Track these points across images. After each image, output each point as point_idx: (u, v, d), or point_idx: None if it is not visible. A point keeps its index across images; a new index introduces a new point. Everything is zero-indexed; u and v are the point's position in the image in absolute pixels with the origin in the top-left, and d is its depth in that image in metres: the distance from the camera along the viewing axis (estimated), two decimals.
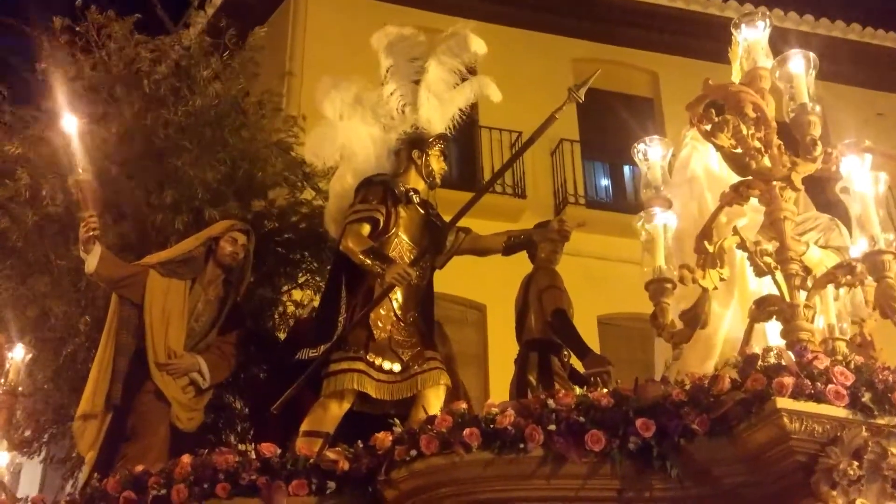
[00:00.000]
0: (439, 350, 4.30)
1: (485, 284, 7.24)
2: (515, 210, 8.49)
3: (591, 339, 4.85)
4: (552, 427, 2.85)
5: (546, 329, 4.83)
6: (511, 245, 4.54)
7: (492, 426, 2.94)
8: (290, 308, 6.25)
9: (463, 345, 4.22)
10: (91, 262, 4.43)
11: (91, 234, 4.36)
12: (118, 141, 5.15)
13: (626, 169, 9.94)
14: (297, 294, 6.26)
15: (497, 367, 7.81)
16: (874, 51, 11.09)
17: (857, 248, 3.31)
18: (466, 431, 2.94)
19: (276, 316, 6.04)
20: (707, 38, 9.90)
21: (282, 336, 6.19)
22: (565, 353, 4.88)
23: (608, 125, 8.56)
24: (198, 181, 5.20)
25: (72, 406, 5.35)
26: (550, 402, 2.94)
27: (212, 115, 5.40)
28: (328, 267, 6.01)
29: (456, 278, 4.57)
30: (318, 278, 5.89)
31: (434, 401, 4.01)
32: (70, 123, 4.39)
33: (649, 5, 10.41)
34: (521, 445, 2.85)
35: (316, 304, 6.21)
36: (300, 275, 5.96)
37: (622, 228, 8.26)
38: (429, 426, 3.09)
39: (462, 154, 9.18)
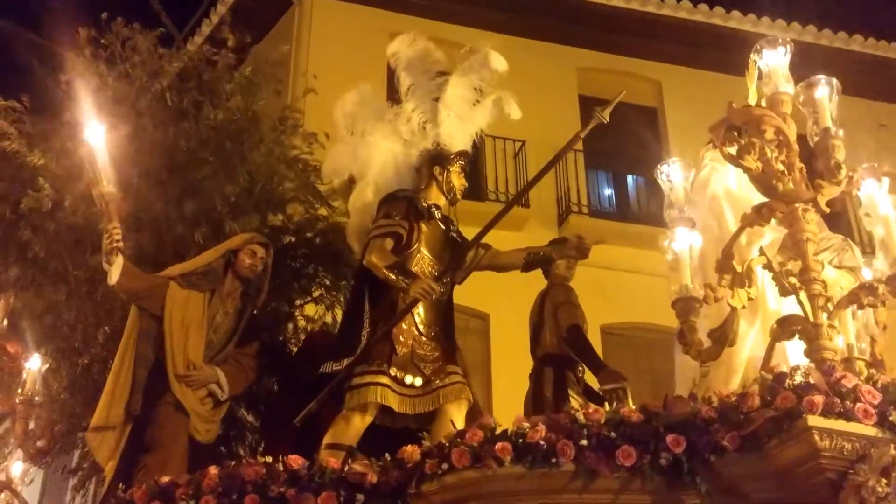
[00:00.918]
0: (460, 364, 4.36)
1: (488, 293, 7.30)
2: (519, 220, 8.49)
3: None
4: (584, 442, 2.92)
5: (561, 344, 4.88)
6: (530, 262, 4.62)
7: (523, 441, 3.01)
8: (302, 322, 6.32)
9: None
10: (114, 273, 4.46)
11: (115, 245, 4.40)
12: (140, 152, 5.20)
13: (630, 178, 10.02)
14: (309, 309, 6.31)
15: (500, 377, 7.87)
16: (877, 61, 11.17)
17: (874, 267, 3.43)
18: (498, 446, 3.00)
19: (289, 329, 6.11)
20: (711, 48, 10.04)
21: (293, 349, 6.29)
22: (580, 368, 4.94)
23: (612, 134, 8.56)
24: (217, 194, 5.27)
25: (86, 416, 5.40)
26: (580, 417, 3.01)
27: (232, 129, 5.48)
28: (342, 282, 6.13)
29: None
30: (334, 293, 5.97)
31: (456, 415, 4.06)
32: (96, 134, 4.44)
33: (654, 15, 10.50)
34: (553, 460, 2.91)
35: (328, 319, 6.31)
36: (314, 289, 6.02)
37: (626, 238, 8.49)
38: (459, 440, 3.15)
39: None
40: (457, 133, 4.66)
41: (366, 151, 4.64)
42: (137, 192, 5.22)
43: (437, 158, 4.58)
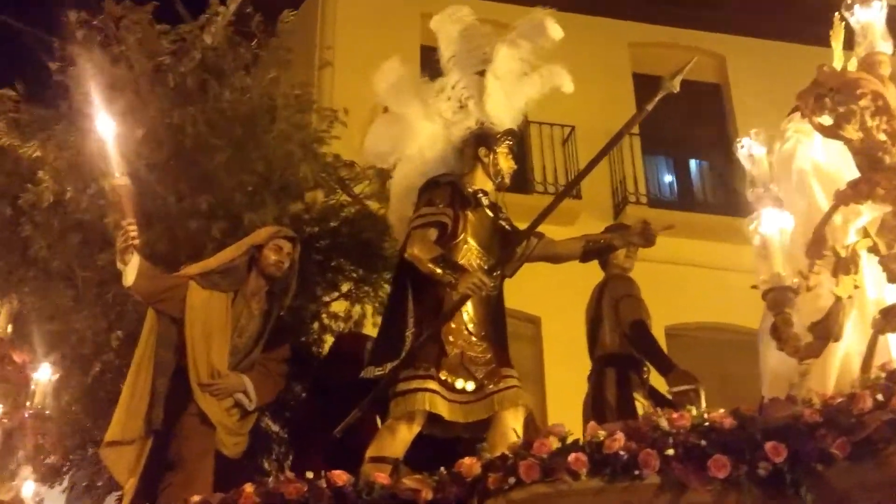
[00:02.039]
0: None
1: (538, 294, 7.24)
2: (571, 213, 8.36)
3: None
4: (670, 451, 2.84)
5: (623, 342, 4.87)
6: (590, 250, 4.54)
7: (599, 451, 2.93)
8: (327, 321, 6.30)
9: (516, 361, 4.23)
10: (129, 274, 4.45)
11: (130, 243, 4.38)
12: (144, 141, 5.18)
13: (692, 163, 9.90)
14: (336, 306, 6.30)
15: (555, 386, 7.79)
16: None
17: None
18: (572, 457, 2.92)
19: (315, 330, 6.09)
20: (779, 17, 9.79)
21: (320, 352, 6.27)
22: (645, 368, 4.91)
23: (670, 115, 8.38)
24: (233, 184, 5.24)
25: (100, 430, 5.41)
26: (664, 423, 2.94)
27: (242, 110, 5.44)
28: (373, 275, 6.11)
29: (506, 288, 4.58)
30: (364, 287, 5.94)
31: (512, 423, 3.98)
32: (104, 124, 4.41)
33: None
34: (636, 472, 2.84)
35: (357, 317, 6.29)
36: (342, 283, 5.99)
37: (689, 229, 8.35)
38: (526, 451, 3.09)
39: None
40: (503, 110, 4.57)
41: (406, 131, 4.56)
42: (145, 186, 5.20)
43: (482, 139, 4.51)
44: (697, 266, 8.36)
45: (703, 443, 2.83)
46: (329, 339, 6.26)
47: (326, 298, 6.10)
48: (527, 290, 4.95)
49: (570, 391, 5.59)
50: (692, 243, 8.14)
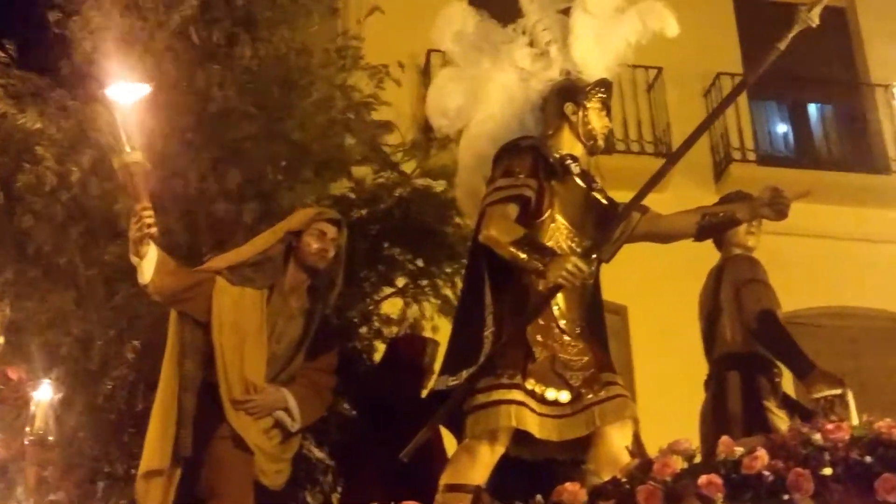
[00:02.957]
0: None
1: (623, 280, 7.17)
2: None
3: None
4: (826, 471, 2.84)
5: (749, 339, 4.84)
6: (706, 227, 4.48)
7: (737, 472, 2.94)
8: (378, 323, 6.36)
9: None
10: (145, 270, 4.49)
11: (146, 232, 4.42)
12: (161, 107, 5.23)
13: (812, 108, 9.74)
14: (388, 306, 6.35)
15: (645, 387, 7.77)
16: None
17: None
18: (704, 480, 2.93)
19: (365, 333, 6.15)
20: None
21: (371, 359, 6.33)
22: (776, 370, 4.88)
23: (783, 50, 8.22)
24: (265, 157, 5.30)
25: (112, 460, 5.54)
26: (817, 437, 2.93)
27: (277, 69, 5.49)
28: (433, 267, 6.14)
29: None
30: (423, 281, 5.98)
31: (618, 440, 3.98)
32: (113, 88, 4.47)
33: None
34: (785, 497, 2.84)
35: (415, 318, 6.33)
36: (397, 277, 6.04)
37: (811, 192, 8.17)
38: (644, 474, 3.10)
39: None
40: (594, 56, 4.56)
41: (474, 87, 4.58)
42: (161, 162, 5.27)
43: (568, 92, 4.49)
44: (821, 237, 8.26)
45: (868, 459, 2.83)
46: (380, 345, 6.32)
47: (377, 296, 6.15)
48: (609, 274, 4.94)
49: (663, 394, 5.58)
50: (813, 209, 7.98)
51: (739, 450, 2.99)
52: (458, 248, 6.05)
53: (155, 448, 4.46)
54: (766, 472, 2.89)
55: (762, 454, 2.94)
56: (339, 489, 6.01)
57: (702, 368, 5.20)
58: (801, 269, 8.08)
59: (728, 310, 4.93)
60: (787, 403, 4.87)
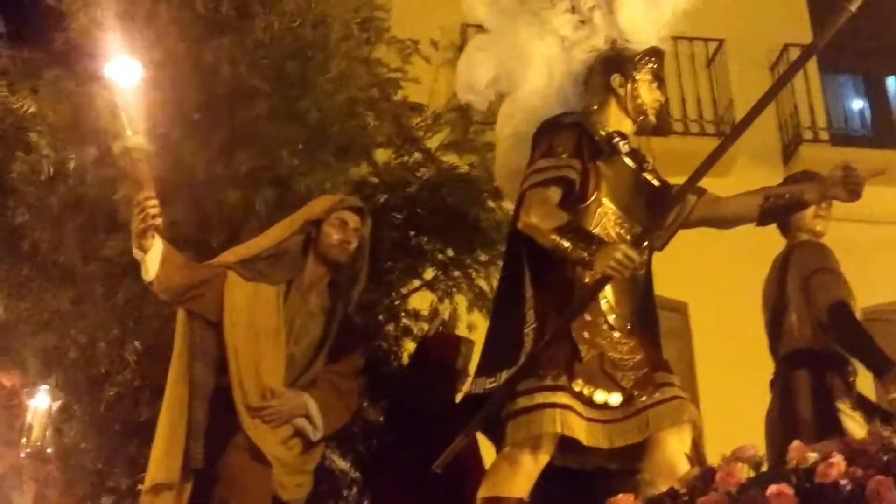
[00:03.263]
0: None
1: (684, 275, 7.20)
2: (724, 159, 8.27)
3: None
4: None
5: (819, 334, 4.85)
6: (770, 209, 4.44)
7: (810, 480, 2.92)
8: (406, 320, 6.37)
9: None
10: (150, 265, 4.51)
11: (150, 223, 4.44)
12: (166, 86, 5.27)
13: (891, 81, 9.67)
14: (415, 301, 6.36)
15: (708, 390, 7.78)
16: None
17: None
18: (774, 490, 2.91)
19: (391, 332, 6.16)
20: None
21: (398, 361, 6.35)
22: (850, 368, 4.89)
23: (857, 17, 8.16)
24: (280, 140, 5.31)
25: (115, 473, 5.58)
26: None
27: (293, 43, 5.50)
28: (467, 257, 6.13)
29: None
30: (454, 273, 5.99)
31: (675, 447, 3.99)
32: (112, 65, 4.50)
33: None
34: None
35: (447, 314, 6.33)
36: (426, 268, 6.05)
37: (889, 174, 8.13)
38: (706, 483, 3.09)
39: None
40: (642, 22, 4.57)
41: (511, 58, 4.58)
42: (166, 145, 5.30)
43: (615, 63, 4.49)
44: None
45: None
46: (409, 344, 6.34)
47: (404, 290, 6.17)
48: (667, 268, 4.92)
49: (729, 399, 5.55)
50: (889, 192, 7.96)
51: (813, 456, 2.96)
52: (493, 235, 6.07)
53: (162, 460, 4.48)
54: (844, 481, 2.86)
55: (839, 461, 2.90)
56: (366, 502, 6.04)
57: (770, 367, 5.19)
58: (875, 258, 8.02)
59: (795, 302, 4.94)
60: (863, 405, 4.87)
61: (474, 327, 6.34)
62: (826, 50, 9.17)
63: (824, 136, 9.20)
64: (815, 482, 2.91)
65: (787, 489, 2.93)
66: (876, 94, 9.87)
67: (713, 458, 3.54)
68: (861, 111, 9.89)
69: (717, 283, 8.44)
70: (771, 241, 5.29)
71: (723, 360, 8.19)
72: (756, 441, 3.63)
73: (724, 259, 7.62)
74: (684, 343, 8.51)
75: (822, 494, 2.89)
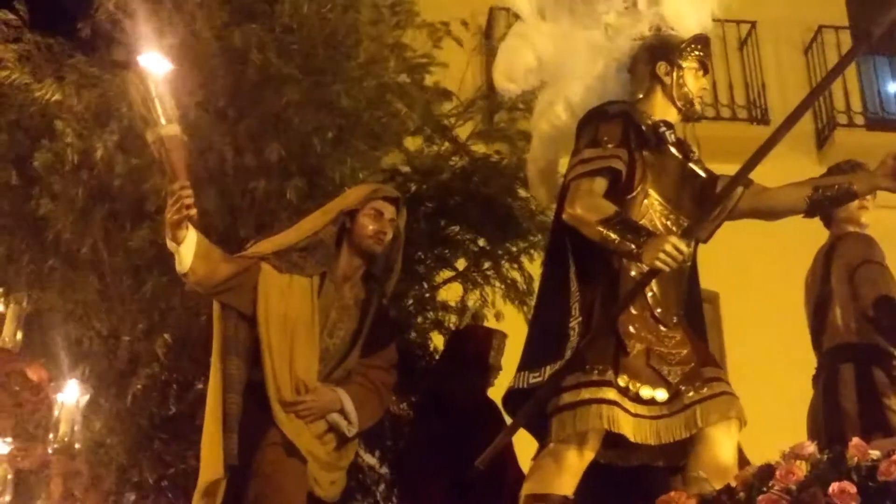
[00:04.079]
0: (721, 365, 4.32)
1: (715, 264, 7.18)
2: (754, 143, 8.36)
3: None
4: None
5: (865, 328, 4.86)
6: (819, 200, 4.45)
7: (874, 479, 2.96)
8: (434, 313, 6.41)
9: None
10: (185, 256, 4.50)
11: (185, 213, 4.43)
12: (193, 73, 5.30)
13: None
14: (444, 293, 6.38)
15: (740, 383, 7.75)
16: None
17: None
18: (836, 488, 2.95)
19: (422, 323, 6.20)
20: None
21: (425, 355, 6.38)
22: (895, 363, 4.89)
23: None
24: (311, 128, 5.34)
25: (143, 468, 5.61)
26: None
27: (322, 28, 5.52)
28: (499, 249, 6.15)
29: None
30: (486, 264, 6.01)
31: (724, 443, 4.03)
32: (142, 51, 4.52)
33: None
34: None
35: (476, 306, 6.36)
36: (457, 259, 6.09)
37: None
38: (763, 481, 3.13)
39: None
40: (688, 9, 4.57)
41: (551, 46, 4.61)
42: (193, 133, 5.33)
43: (660, 51, 4.50)
44: None
45: None
46: (437, 337, 6.37)
47: (434, 281, 6.20)
48: (699, 258, 4.96)
49: (762, 393, 5.56)
50: None
51: (875, 453, 3.00)
52: (526, 225, 6.08)
53: (206, 459, 4.50)
54: None
55: None
56: (395, 501, 6.07)
57: (806, 362, 5.22)
58: None
59: (840, 295, 4.95)
60: None
61: (503, 318, 6.38)
62: (860, 32, 9.19)
63: (859, 120, 9.23)
64: (879, 480, 2.95)
65: (850, 487, 2.97)
66: None
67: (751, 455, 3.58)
68: None
69: (748, 273, 8.53)
70: (803, 231, 5.33)
71: (755, 353, 8.20)
72: (789, 436, 3.65)
73: (756, 249, 7.59)
74: (715, 334, 8.48)
75: (886, 493, 2.94)
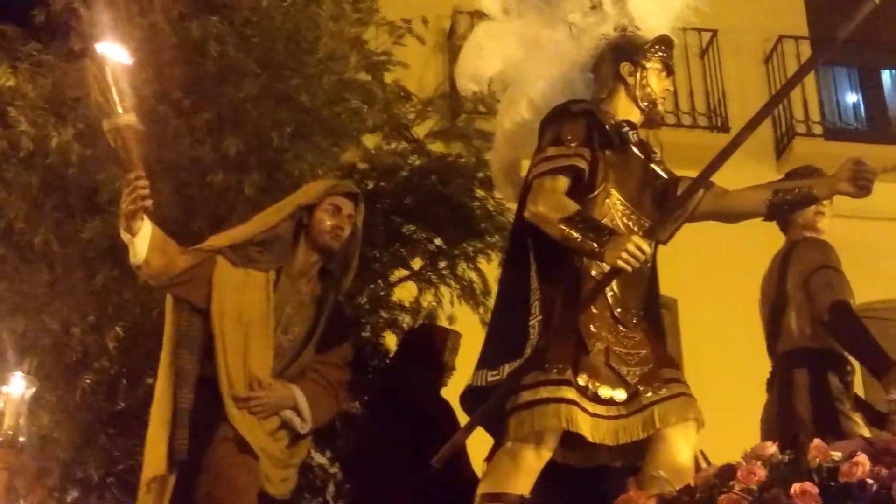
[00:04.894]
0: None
1: (673, 271, 7.22)
2: (714, 150, 8.40)
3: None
4: None
5: (820, 333, 4.87)
6: (779, 204, 4.46)
7: (835, 480, 2.95)
8: (387, 312, 6.37)
9: None
10: (139, 247, 4.46)
11: (140, 205, 4.40)
12: (151, 65, 5.25)
13: (886, 75, 9.72)
14: (400, 292, 6.36)
15: (697, 388, 7.81)
16: None
17: None
18: (797, 488, 2.93)
19: (377, 322, 6.17)
20: None
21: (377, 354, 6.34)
22: (849, 368, 4.92)
23: (851, 9, 8.23)
24: (270, 122, 5.30)
25: (88, 464, 5.53)
26: None
27: (283, 23, 5.49)
28: (454, 248, 6.13)
29: None
30: (442, 262, 6.00)
31: (681, 445, 4.02)
32: (98, 40, 4.46)
33: None
34: None
35: (430, 306, 6.33)
36: (413, 258, 6.06)
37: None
38: (723, 482, 3.11)
39: None
40: (652, 12, 4.57)
41: (514, 44, 4.59)
42: (150, 125, 5.26)
43: (625, 51, 4.48)
44: None
45: None
46: (391, 337, 6.34)
47: (390, 279, 6.17)
48: (658, 265, 4.99)
49: (718, 397, 5.55)
50: (888, 188, 8.07)
51: (837, 455, 2.99)
52: (483, 225, 6.08)
53: (156, 451, 4.45)
54: (870, 481, 2.89)
55: (863, 460, 2.93)
56: (346, 501, 6.03)
57: (762, 367, 5.23)
58: (875, 255, 8.09)
59: (796, 300, 4.95)
60: (860, 406, 4.90)
61: (456, 320, 6.37)
62: (820, 42, 9.27)
63: (818, 129, 9.33)
64: (840, 481, 2.94)
65: (812, 488, 2.95)
66: (871, 87, 9.96)
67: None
68: (855, 105, 9.95)
69: (706, 279, 8.56)
70: (761, 236, 5.34)
71: (711, 358, 8.25)
72: (744, 441, 3.64)
73: (714, 257, 7.68)
74: (673, 340, 8.53)
75: (847, 494, 2.92)
